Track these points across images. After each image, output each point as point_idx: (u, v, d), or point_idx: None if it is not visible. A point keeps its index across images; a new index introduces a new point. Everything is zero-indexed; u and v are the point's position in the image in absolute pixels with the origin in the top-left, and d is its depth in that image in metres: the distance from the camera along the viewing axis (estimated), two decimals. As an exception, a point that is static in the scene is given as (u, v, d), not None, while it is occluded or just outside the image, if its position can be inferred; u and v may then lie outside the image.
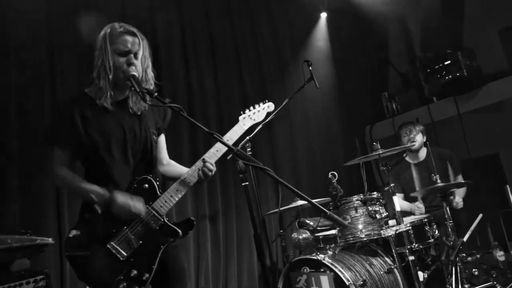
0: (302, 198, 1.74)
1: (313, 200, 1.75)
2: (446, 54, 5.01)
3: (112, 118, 2.00)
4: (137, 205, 1.91)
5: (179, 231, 1.97)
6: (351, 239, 3.08)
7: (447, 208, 3.13)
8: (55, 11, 3.61)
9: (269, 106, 2.39)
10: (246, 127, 2.27)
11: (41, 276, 2.48)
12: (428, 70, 5.22)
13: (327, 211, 1.74)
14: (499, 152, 4.87)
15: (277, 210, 3.75)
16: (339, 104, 5.92)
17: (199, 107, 4.46)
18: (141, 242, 1.93)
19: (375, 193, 3.15)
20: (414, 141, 3.92)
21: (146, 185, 2.00)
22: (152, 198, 1.98)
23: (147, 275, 1.90)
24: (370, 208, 3.04)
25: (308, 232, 3.39)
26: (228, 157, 2.79)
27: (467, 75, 4.85)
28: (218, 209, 4.35)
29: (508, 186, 4.62)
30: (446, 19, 5.07)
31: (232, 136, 2.19)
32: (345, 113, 5.97)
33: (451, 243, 3.03)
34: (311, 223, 3.59)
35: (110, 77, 1.95)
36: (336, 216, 1.84)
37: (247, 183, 2.04)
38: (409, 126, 3.99)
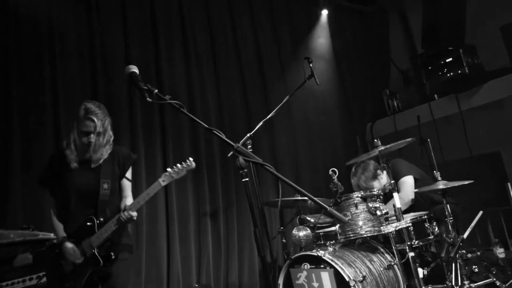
0: (302, 194, 1.74)
1: (314, 198, 1.76)
2: (448, 51, 4.99)
3: (75, 173, 2.66)
4: (75, 255, 2.57)
5: (100, 260, 2.57)
6: (352, 235, 3.09)
7: (447, 205, 3.13)
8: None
9: (189, 165, 2.67)
10: (164, 184, 2.64)
11: (43, 273, 2.50)
12: (430, 68, 5.21)
13: (327, 207, 1.75)
14: (500, 150, 4.86)
15: (277, 199, 3.75)
16: (340, 101, 5.92)
17: (199, 104, 4.47)
18: (80, 261, 2.57)
19: (375, 190, 3.15)
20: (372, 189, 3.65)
21: (89, 223, 2.62)
22: (92, 233, 2.60)
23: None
24: (370, 205, 3.05)
25: (308, 228, 3.40)
26: (229, 155, 2.81)
27: (469, 72, 4.84)
28: (219, 205, 4.36)
29: (509, 184, 4.63)
30: (448, 15, 5.05)
31: (150, 191, 2.61)
32: (346, 110, 5.97)
33: (451, 240, 3.04)
34: (312, 220, 3.60)
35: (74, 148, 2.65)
36: (336, 212, 1.84)
37: (247, 179, 2.05)
38: (362, 175, 3.64)
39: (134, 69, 1.96)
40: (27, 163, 3.29)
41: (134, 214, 2.59)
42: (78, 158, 2.67)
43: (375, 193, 3.11)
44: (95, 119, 2.61)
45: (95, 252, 2.56)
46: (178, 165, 2.65)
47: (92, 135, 2.62)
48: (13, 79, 3.38)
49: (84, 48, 3.80)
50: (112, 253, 2.60)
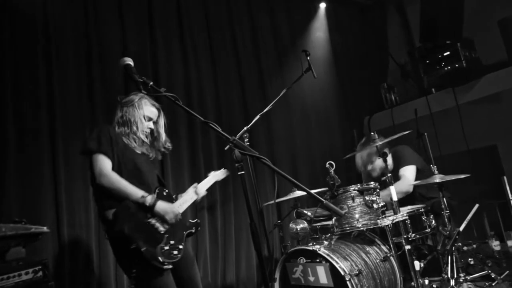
0: (299, 187, 1.74)
1: (311, 191, 1.76)
2: (446, 45, 4.98)
3: (138, 156, 2.69)
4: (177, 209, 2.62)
5: (192, 226, 2.78)
6: (348, 228, 3.09)
7: (444, 198, 3.14)
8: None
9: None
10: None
11: (39, 267, 2.50)
12: (427, 61, 5.21)
13: (324, 200, 1.75)
14: (497, 143, 4.88)
15: (272, 202, 3.78)
16: (337, 95, 5.91)
17: (196, 98, 4.45)
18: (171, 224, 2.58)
19: (372, 183, 3.15)
20: (374, 169, 3.74)
21: (165, 193, 2.69)
22: (170, 201, 2.65)
23: (181, 245, 2.59)
24: (367, 198, 3.05)
25: (305, 222, 3.40)
26: (226, 148, 2.80)
27: (466, 66, 4.83)
28: (216, 200, 4.36)
29: (505, 177, 4.64)
30: (446, 9, 5.03)
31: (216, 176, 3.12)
32: (343, 103, 5.96)
33: (447, 232, 3.05)
34: (309, 213, 3.60)
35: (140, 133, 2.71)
36: (332, 205, 1.85)
37: (243, 172, 2.05)
38: (367, 155, 3.68)
39: (129, 61, 1.95)
40: (22, 156, 3.27)
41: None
42: (140, 146, 2.72)
43: (372, 186, 3.11)
44: (158, 107, 2.83)
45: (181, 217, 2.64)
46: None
47: (151, 122, 2.76)
48: (8, 76, 3.35)
49: (80, 44, 3.76)
50: (197, 219, 2.82)
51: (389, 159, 3.59)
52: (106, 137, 2.56)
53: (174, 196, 2.80)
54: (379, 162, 3.63)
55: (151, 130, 2.78)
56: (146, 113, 2.72)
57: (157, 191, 2.62)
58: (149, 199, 2.48)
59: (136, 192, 2.48)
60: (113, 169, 2.52)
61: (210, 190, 4.24)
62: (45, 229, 2.52)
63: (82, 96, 3.68)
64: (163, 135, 2.84)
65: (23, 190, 3.21)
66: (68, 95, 3.59)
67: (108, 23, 3.94)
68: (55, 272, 3.21)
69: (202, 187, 2.90)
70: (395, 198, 3.05)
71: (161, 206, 2.51)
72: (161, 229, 2.50)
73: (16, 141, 3.27)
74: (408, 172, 3.62)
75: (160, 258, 2.39)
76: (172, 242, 2.53)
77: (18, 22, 3.42)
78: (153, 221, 2.49)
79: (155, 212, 2.49)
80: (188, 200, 2.74)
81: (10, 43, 3.37)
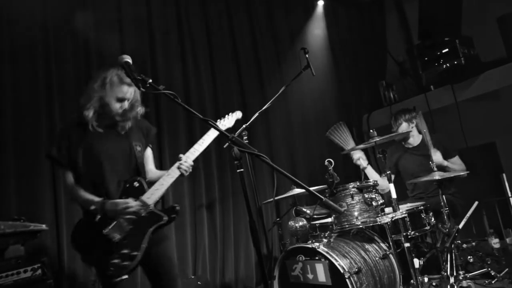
0: (298, 185, 1.74)
1: (310, 188, 1.75)
2: (444, 42, 4.98)
3: (103, 138, 2.41)
4: (124, 200, 2.29)
5: (164, 215, 2.34)
6: (347, 226, 3.09)
7: (443, 196, 3.14)
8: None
9: (237, 114, 2.87)
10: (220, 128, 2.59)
11: (38, 265, 2.49)
12: (426, 58, 5.20)
13: (323, 198, 1.74)
14: (496, 141, 4.88)
15: (271, 200, 3.78)
16: (336, 92, 5.91)
17: (195, 96, 4.44)
18: (131, 227, 2.26)
19: (371, 180, 3.15)
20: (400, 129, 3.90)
21: (136, 184, 2.38)
22: (141, 193, 2.35)
23: (135, 252, 2.24)
24: (366, 196, 3.05)
25: (304, 220, 3.40)
26: (225, 146, 2.80)
27: (465, 63, 4.83)
28: (215, 197, 4.36)
29: (504, 175, 4.65)
30: (444, 6, 5.03)
31: (205, 139, 2.55)
32: (342, 101, 5.95)
33: (447, 230, 3.05)
34: (308, 211, 3.60)
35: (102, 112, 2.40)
36: (331, 203, 1.84)
37: (242, 169, 2.04)
38: (396, 116, 3.98)
39: (128, 58, 1.94)
40: (21, 152, 3.26)
41: (192, 164, 2.47)
42: (103, 123, 2.43)
43: (371, 183, 3.10)
44: (132, 84, 2.37)
45: (152, 209, 2.34)
46: (227, 116, 2.85)
47: (126, 102, 2.43)
48: (6, 72, 3.33)
49: (79, 42, 3.75)
50: (176, 204, 2.43)
51: (404, 126, 3.92)
52: (65, 142, 2.36)
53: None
54: (404, 126, 3.88)
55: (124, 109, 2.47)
56: (117, 95, 2.40)
57: (127, 185, 2.37)
58: (98, 205, 2.25)
59: (91, 202, 2.27)
60: (75, 175, 2.36)
61: (209, 187, 4.33)
62: (44, 227, 2.51)
63: (81, 94, 3.66)
64: (138, 107, 2.50)
65: (22, 187, 3.20)
66: (66, 93, 3.57)
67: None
68: (54, 270, 3.20)
69: (188, 157, 2.48)
70: (394, 196, 3.05)
71: (109, 208, 2.25)
72: (116, 238, 2.23)
73: (15, 139, 3.25)
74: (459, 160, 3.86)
75: (110, 272, 2.19)
76: (125, 251, 2.24)
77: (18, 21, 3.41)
78: (107, 230, 2.23)
79: (109, 217, 2.25)
80: (164, 184, 2.39)
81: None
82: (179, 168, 2.40)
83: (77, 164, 2.34)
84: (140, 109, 2.50)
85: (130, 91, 2.42)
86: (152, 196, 2.34)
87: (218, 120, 2.84)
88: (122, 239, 2.23)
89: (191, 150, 2.50)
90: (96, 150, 2.36)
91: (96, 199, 2.27)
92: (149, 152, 2.66)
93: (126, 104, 2.43)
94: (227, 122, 2.87)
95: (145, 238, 2.28)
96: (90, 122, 2.36)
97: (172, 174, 2.40)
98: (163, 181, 2.38)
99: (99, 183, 2.34)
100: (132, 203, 2.28)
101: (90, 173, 2.35)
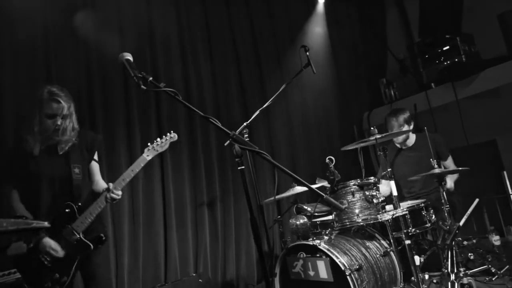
0: (299, 182, 1.74)
1: (311, 186, 1.76)
2: (445, 39, 4.97)
3: (41, 160, 2.54)
4: (57, 251, 2.44)
5: (90, 244, 2.50)
6: (348, 223, 3.09)
7: (443, 193, 3.14)
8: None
9: (172, 137, 2.76)
10: (149, 158, 2.66)
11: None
12: (426, 56, 5.20)
13: (324, 195, 1.75)
14: (496, 138, 4.87)
15: (272, 198, 3.78)
16: (337, 90, 5.90)
17: (195, 93, 4.44)
18: (64, 252, 2.45)
19: (372, 178, 3.15)
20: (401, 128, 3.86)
21: (68, 210, 2.50)
22: (72, 219, 2.49)
23: (65, 277, 2.43)
24: (367, 193, 3.05)
25: (305, 217, 3.40)
26: (226, 144, 2.79)
27: (466, 60, 4.82)
28: (216, 195, 4.36)
29: (505, 172, 4.65)
30: (445, 3, 5.02)
31: (135, 168, 2.60)
32: (342, 99, 5.95)
33: (448, 227, 3.05)
34: (309, 209, 3.60)
35: (39, 133, 2.52)
36: (332, 200, 1.85)
37: (243, 167, 2.04)
38: (389, 117, 3.90)
39: (128, 56, 1.94)
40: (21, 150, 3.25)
41: (120, 193, 2.56)
42: (42, 145, 2.55)
43: (372, 181, 3.11)
44: (61, 101, 2.50)
45: (81, 237, 2.48)
46: (159, 139, 2.71)
47: (58, 118, 2.51)
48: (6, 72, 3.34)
49: (78, 41, 3.74)
50: (102, 234, 2.55)
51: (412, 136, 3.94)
52: (8, 164, 2.58)
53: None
54: (405, 129, 3.83)
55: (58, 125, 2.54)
56: (47, 111, 2.50)
57: (60, 210, 2.50)
58: (34, 240, 2.43)
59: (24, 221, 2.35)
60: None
61: (208, 186, 4.34)
62: (46, 224, 2.50)
63: (82, 93, 3.67)
64: (70, 127, 2.58)
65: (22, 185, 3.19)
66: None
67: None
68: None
69: (116, 188, 2.56)
70: (395, 193, 3.06)
71: (41, 245, 2.43)
72: (47, 262, 2.42)
73: (16, 137, 3.25)
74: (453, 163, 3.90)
75: None
76: (56, 276, 2.43)
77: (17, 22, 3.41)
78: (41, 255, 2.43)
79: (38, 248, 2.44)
80: (93, 213, 2.51)
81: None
82: (105, 198, 2.52)
83: (18, 188, 2.54)
84: (75, 123, 2.60)
85: (60, 107, 2.50)
86: (81, 224, 2.48)
87: (152, 143, 2.72)
88: (53, 264, 2.41)
89: (120, 179, 2.56)
90: (36, 173, 2.51)
91: (29, 219, 2.40)
92: (94, 166, 2.78)
93: (58, 121, 2.51)
94: (159, 147, 2.72)
95: (73, 265, 2.46)
96: (30, 147, 2.50)
97: (100, 204, 2.52)
98: (92, 210, 2.51)
99: (33, 205, 2.51)
100: (59, 252, 2.43)
101: (28, 197, 2.53)
